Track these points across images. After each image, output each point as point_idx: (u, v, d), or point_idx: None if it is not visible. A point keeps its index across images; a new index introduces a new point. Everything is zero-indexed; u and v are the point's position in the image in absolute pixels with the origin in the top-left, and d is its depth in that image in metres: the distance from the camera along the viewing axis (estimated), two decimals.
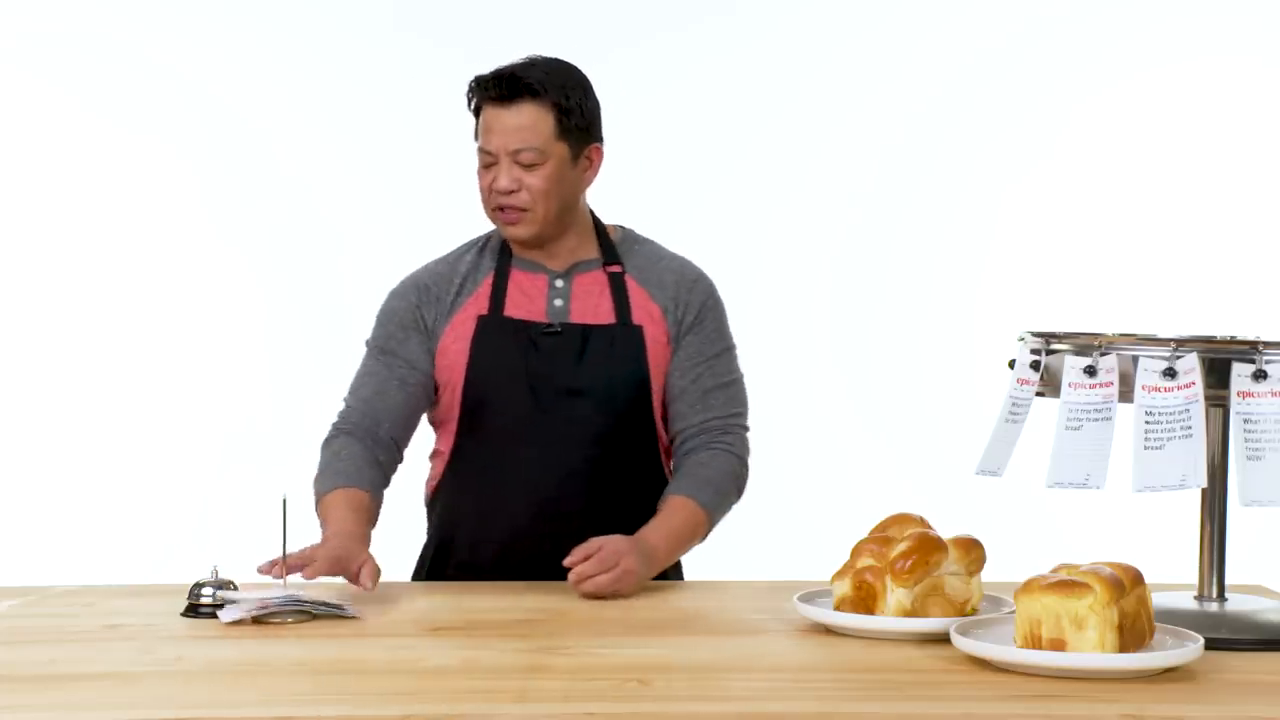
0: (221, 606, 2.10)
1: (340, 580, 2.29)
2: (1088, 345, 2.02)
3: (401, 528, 2.68)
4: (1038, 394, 2.08)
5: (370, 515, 2.46)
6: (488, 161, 2.48)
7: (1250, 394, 1.95)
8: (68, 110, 4.61)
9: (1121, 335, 2.02)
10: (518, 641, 1.99)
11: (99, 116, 4.61)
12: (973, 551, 2.09)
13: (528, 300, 2.53)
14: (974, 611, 2.06)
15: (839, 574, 2.08)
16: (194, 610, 2.14)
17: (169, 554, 4.18)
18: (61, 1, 4.58)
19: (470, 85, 2.51)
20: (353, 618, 2.12)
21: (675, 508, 2.47)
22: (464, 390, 2.51)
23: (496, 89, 2.47)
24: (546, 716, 1.65)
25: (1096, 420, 1.98)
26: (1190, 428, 1.94)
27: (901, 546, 2.04)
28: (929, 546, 2.03)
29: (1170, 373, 1.96)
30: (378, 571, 2.30)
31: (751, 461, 2.57)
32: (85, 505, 4.54)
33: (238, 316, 4.65)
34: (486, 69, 2.48)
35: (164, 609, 2.18)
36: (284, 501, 2.17)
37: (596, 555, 2.31)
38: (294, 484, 2.39)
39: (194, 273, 4.65)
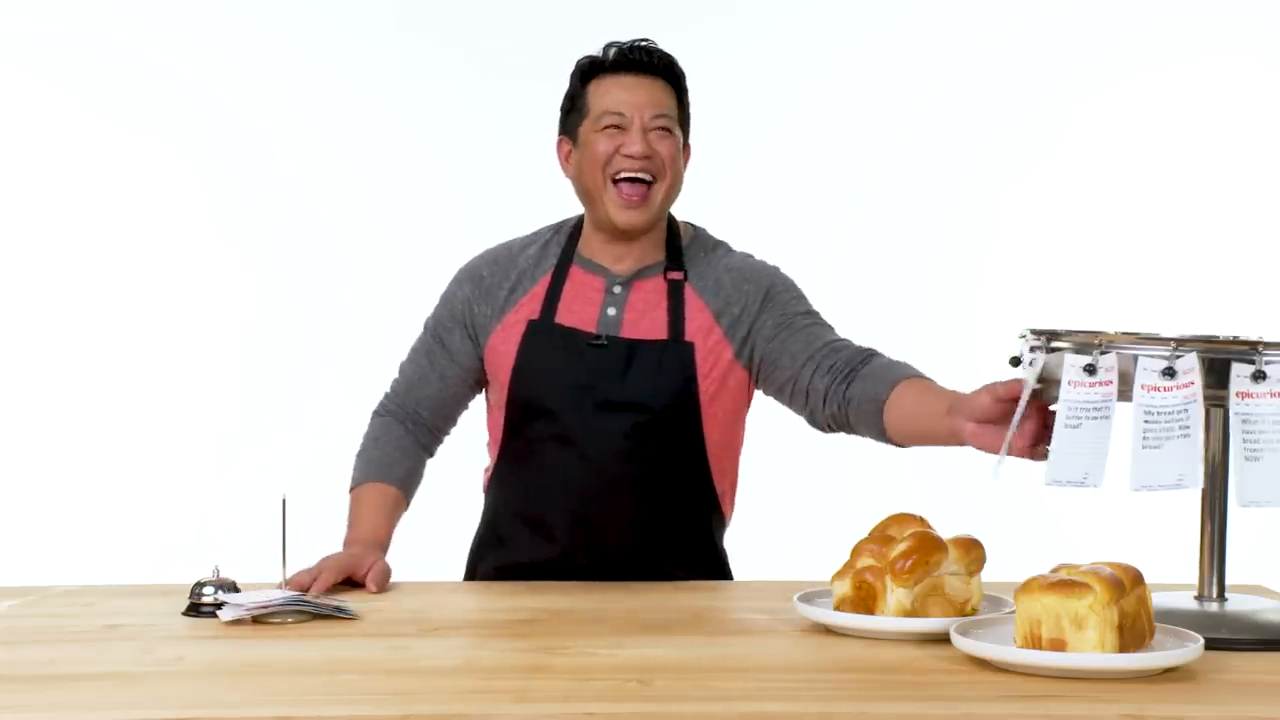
0: (222, 606, 2.10)
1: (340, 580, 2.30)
2: (1088, 343, 2.01)
3: (452, 523, 2.72)
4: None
5: (398, 509, 2.51)
6: (614, 123, 2.43)
7: (1249, 394, 1.95)
8: (68, 110, 4.61)
9: (1122, 334, 2.01)
10: (518, 641, 1.99)
11: (99, 116, 4.61)
12: (973, 551, 2.08)
13: (581, 306, 2.48)
14: (974, 611, 2.06)
15: (839, 574, 2.08)
16: (195, 610, 2.14)
17: (170, 554, 4.18)
18: (61, 1, 4.59)
19: (589, 59, 2.48)
20: (353, 618, 2.12)
21: (929, 385, 2.32)
22: (509, 393, 2.49)
23: (635, 57, 2.45)
24: (546, 716, 1.64)
25: (1095, 419, 1.98)
26: (1188, 427, 1.93)
27: (901, 546, 2.04)
28: (929, 546, 2.03)
29: (1170, 372, 1.95)
30: (386, 574, 2.34)
31: None
32: (85, 505, 4.54)
33: (238, 316, 4.65)
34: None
35: (164, 609, 2.18)
36: (284, 501, 2.17)
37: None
38: (294, 484, 2.40)
39: (194, 273, 4.65)
